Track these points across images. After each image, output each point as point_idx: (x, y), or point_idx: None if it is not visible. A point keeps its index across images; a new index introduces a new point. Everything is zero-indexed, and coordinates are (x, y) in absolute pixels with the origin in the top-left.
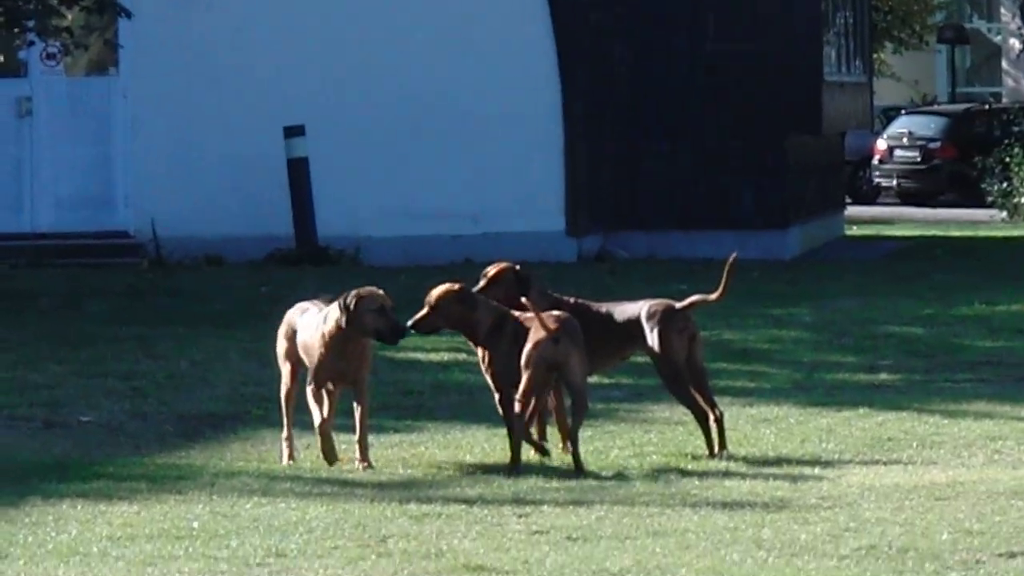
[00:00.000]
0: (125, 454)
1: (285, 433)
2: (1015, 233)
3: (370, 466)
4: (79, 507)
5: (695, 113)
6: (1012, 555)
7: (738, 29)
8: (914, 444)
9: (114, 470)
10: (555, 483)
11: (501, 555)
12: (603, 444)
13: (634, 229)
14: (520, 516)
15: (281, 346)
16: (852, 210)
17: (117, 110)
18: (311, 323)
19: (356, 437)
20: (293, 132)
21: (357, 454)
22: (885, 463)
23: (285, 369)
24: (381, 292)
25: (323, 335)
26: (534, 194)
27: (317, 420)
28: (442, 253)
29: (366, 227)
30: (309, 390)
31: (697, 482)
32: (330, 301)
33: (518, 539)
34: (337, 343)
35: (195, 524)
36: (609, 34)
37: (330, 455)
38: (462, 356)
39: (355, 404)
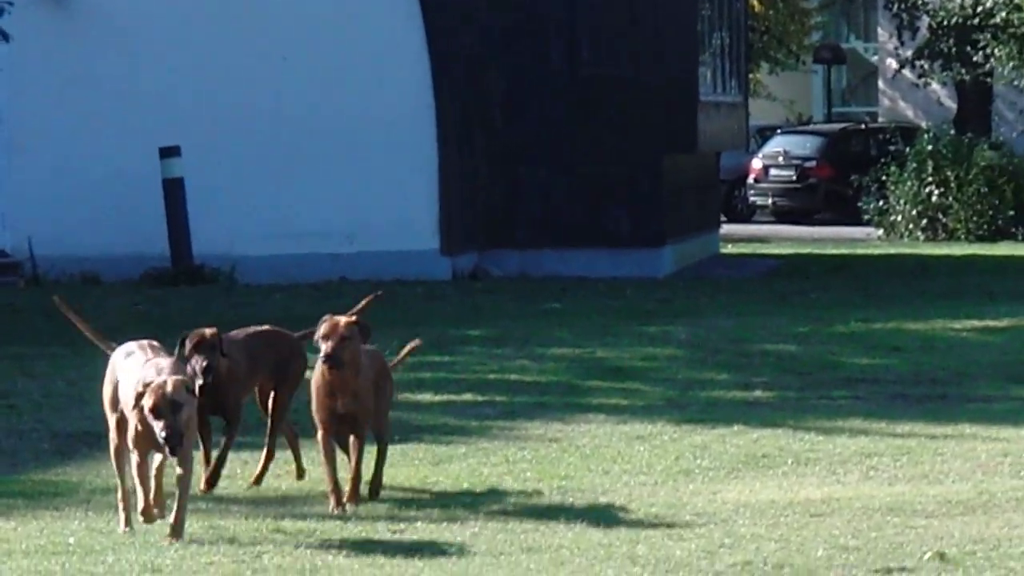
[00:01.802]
0: (1, 471)
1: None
2: (891, 251)
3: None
4: None
5: (570, 134)
6: (888, 571)
7: (612, 52)
8: (789, 461)
9: (13, 487)
10: (427, 497)
11: (375, 571)
12: (477, 461)
13: (508, 248)
14: (394, 532)
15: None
16: (727, 228)
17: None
18: None
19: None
20: (169, 152)
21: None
22: (760, 480)
23: None
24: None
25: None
26: (409, 214)
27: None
28: (318, 272)
29: (242, 246)
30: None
31: (571, 498)
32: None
33: (392, 556)
34: None
35: (71, 540)
36: (483, 59)
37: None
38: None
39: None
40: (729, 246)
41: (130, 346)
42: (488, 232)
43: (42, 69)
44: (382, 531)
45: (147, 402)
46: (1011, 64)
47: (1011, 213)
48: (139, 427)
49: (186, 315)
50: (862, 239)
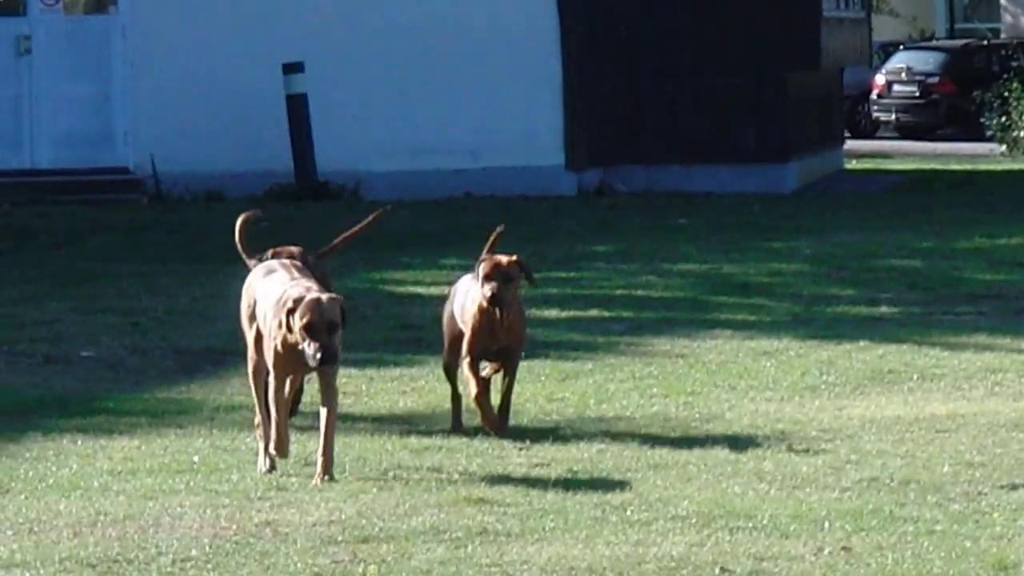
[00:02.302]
0: (125, 389)
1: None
2: (1014, 167)
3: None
4: (79, 442)
5: (695, 48)
6: (1014, 487)
7: None
8: (914, 377)
9: (114, 405)
10: (555, 417)
11: (502, 488)
12: (603, 377)
13: (633, 163)
14: (521, 450)
15: None
16: (851, 144)
17: (116, 48)
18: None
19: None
20: (292, 68)
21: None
22: (885, 396)
23: None
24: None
25: None
26: (533, 129)
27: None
28: (442, 188)
29: (366, 162)
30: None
31: (697, 414)
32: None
33: (519, 473)
34: None
35: (196, 458)
36: None
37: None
38: None
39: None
40: (853, 162)
41: (272, 264)
42: (613, 147)
43: None
44: (508, 448)
45: (300, 320)
46: None
47: None
48: (280, 348)
49: (311, 231)
50: (985, 155)
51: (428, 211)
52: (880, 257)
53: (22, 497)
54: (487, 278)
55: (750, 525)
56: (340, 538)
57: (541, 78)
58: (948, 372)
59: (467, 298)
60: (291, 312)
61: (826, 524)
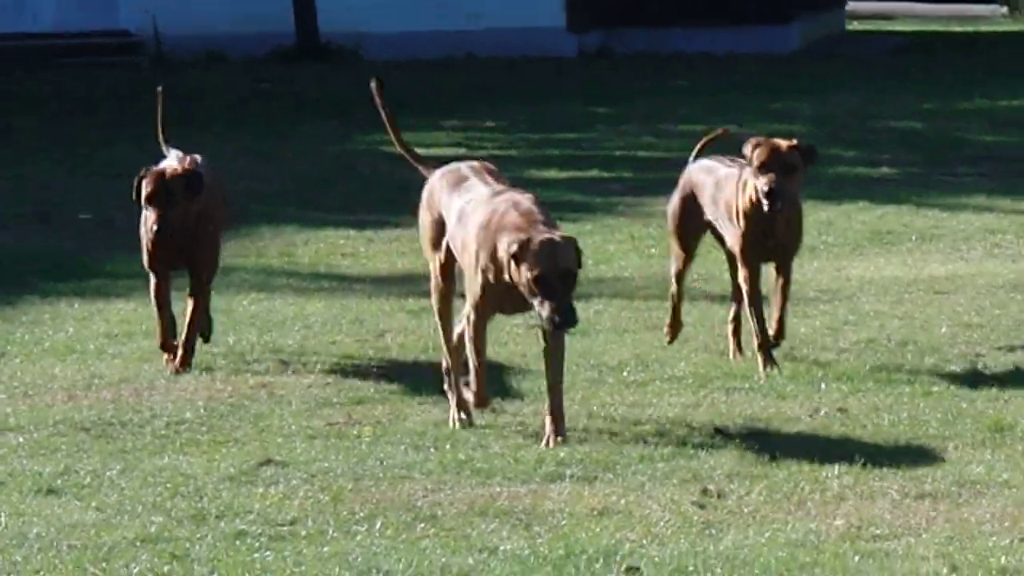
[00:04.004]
0: (122, 253)
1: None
2: (1016, 28)
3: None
4: (76, 305)
5: None
6: (1011, 348)
7: None
8: (913, 237)
9: (111, 268)
10: None
11: (499, 348)
12: (602, 238)
13: (634, 25)
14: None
15: None
16: (852, 5)
17: None
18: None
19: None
20: None
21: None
22: (884, 256)
23: None
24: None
25: None
26: None
27: None
28: (445, 48)
29: (367, 23)
30: None
31: (695, 275)
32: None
33: (515, 333)
34: None
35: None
36: None
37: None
38: (462, 152)
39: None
40: (855, 23)
41: (461, 169)
42: (615, 9)
43: None
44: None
45: (530, 270)
46: None
47: None
48: (493, 283)
49: (311, 92)
50: (987, 16)
51: (429, 72)
52: (880, 118)
53: (17, 361)
54: (763, 167)
55: (746, 386)
56: (335, 400)
57: None
58: (947, 233)
59: (728, 190)
60: (516, 258)
61: (822, 385)
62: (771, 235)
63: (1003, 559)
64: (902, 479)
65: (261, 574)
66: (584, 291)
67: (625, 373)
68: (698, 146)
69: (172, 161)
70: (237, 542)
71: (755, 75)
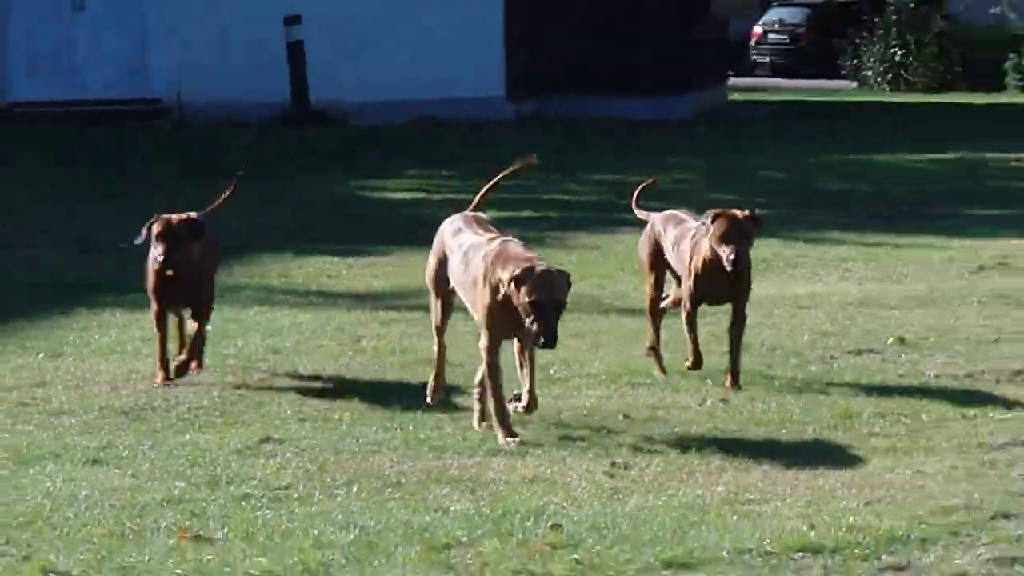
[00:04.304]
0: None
1: None
2: (863, 99)
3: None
4: (117, 315)
5: (612, 9)
6: (859, 352)
7: None
8: (781, 264)
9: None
10: None
11: (451, 350)
12: None
13: (561, 95)
14: (466, 320)
15: None
16: (733, 80)
17: (155, 7)
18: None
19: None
20: (292, 20)
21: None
22: (758, 280)
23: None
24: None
25: None
26: (483, 69)
27: None
28: (411, 114)
29: (351, 95)
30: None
31: (609, 294)
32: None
33: (464, 337)
34: None
35: (209, 327)
36: None
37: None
38: (420, 194)
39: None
40: (735, 95)
41: (457, 221)
42: (545, 82)
43: None
44: (456, 320)
45: (527, 296)
46: None
47: (957, 69)
48: (493, 307)
49: (306, 150)
50: (840, 89)
51: (400, 132)
52: (756, 170)
53: (71, 359)
54: (725, 239)
55: (648, 382)
56: (321, 393)
57: (488, 30)
58: (808, 261)
59: (686, 243)
60: (517, 280)
61: (709, 381)
62: (721, 286)
63: (851, 519)
64: (771, 455)
65: (262, 528)
66: None
67: (551, 371)
68: (636, 192)
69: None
70: (243, 503)
71: (657, 136)
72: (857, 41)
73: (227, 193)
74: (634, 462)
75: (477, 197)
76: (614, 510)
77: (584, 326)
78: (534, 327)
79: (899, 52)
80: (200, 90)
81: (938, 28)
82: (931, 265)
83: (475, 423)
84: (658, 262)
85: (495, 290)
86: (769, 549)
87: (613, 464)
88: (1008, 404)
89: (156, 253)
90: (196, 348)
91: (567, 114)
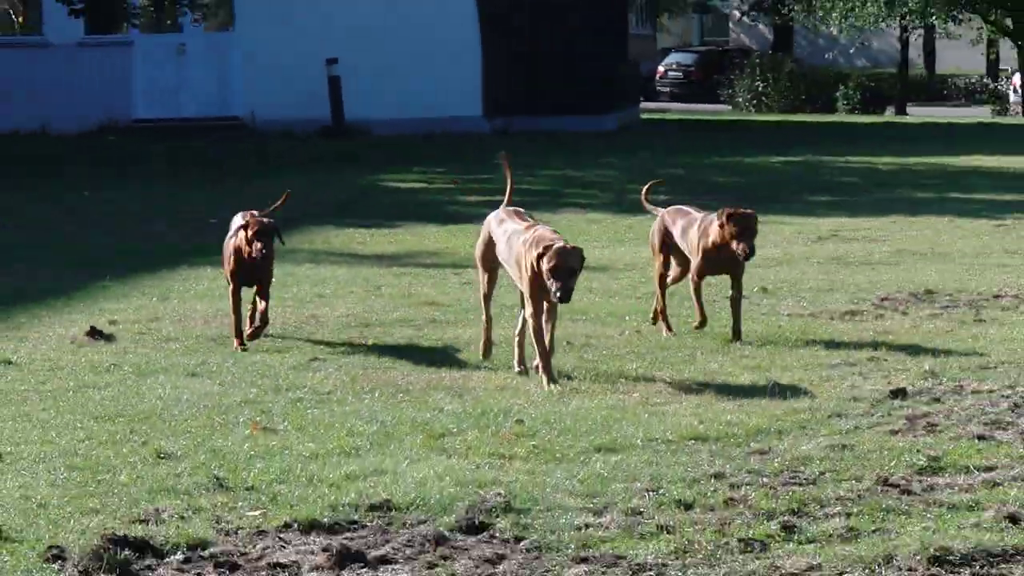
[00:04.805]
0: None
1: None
2: (735, 118)
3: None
4: (208, 270)
5: (564, 52)
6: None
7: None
8: None
9: None
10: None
11: (445, 295)
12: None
13: (525, 114)
14: (456, 274)
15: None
16: (645, 104)
17: (235, 52)
18: None
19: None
20: (331, 61)
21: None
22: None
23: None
24: None
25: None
26: (467, 93)
27: None
28: (415, 128)
29: (373, 113)
30: None
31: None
32: None
33: (455, 287)
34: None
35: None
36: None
37: None
38: (422, 184)
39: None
40: (645, 114)
41: (500, 213)
42: (510, 105)
43: (265, 14)
44: (449, 274)
45: (547, 264)
46: (802, 12)
47: (803, 97)
48: (533, 282)
49: (340, 152)
50: (719, 111)
51: (407, 141)
52: (661, 168)
53: (176, 302)
54: (739, 237)
55: (582, 318)
56: (353, 324)
57: (469, 62)
58: None
59: (694, 231)
60: (541, 256)
61: (627, 317)
62: (723, 263)
63: (728, 417)
64: (671, 371)
65: (311, 422)
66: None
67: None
68: (645, 189)
69: (239, 220)
70: (298, 404)
71: (591, 143)
72: (731, 77)
73: (281, 201)
74: (575, 375)
75: (508, 194)
76: (560, 410)
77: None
78: (552, 286)
79: (761, 84)
80: (267, 111)
81: (788, 68)
82: (784, 236)
83: (515, 365)
84: (665, 246)
85: (532, 269)
86: (670, 438)
87: (559, 376)
88: (840, 335)
89: (257, 246)
90: (262, 323)
91: (526, 128)
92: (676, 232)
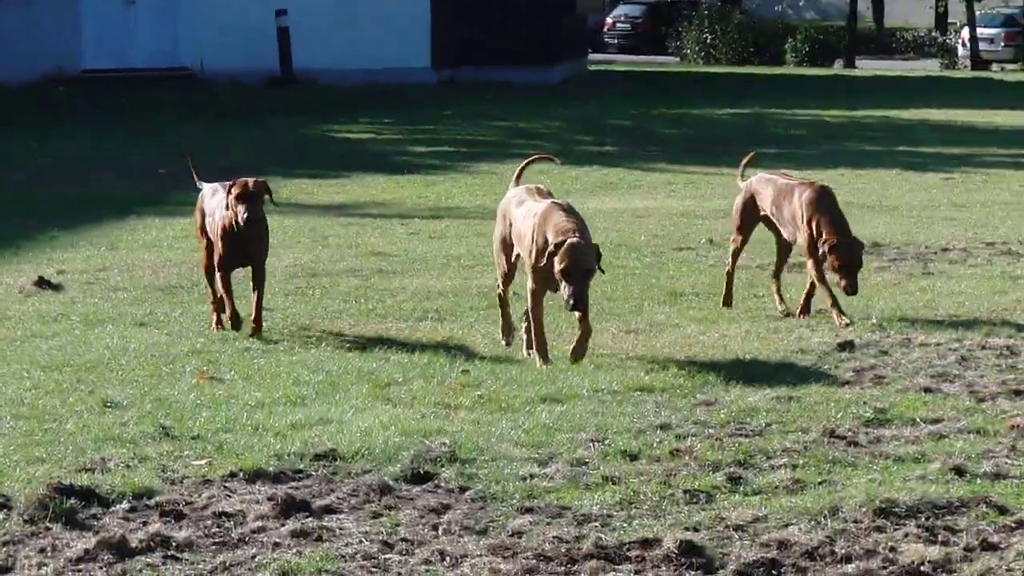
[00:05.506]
0: (180, 192)
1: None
2: (684, 70)
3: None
4: (156, 220)
5: (507, 9)
6: (680, 248)
7: None
8: (625, 186)
9: (175, 199)
10: (422, 206)
11: (392, 245)
12: (449, 185)
13: (467, 66)
14: (403, 224)
15: None
16: (592, 56)
17: (184, 2)
18: None
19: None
20: (280, 12)
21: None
22: (608, 197)
23: None
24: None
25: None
26: (415, 45)
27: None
28: (363, 78)
29: (320, 63)
30: None
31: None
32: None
33: (401, 237)
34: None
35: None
36: None
37: None
38: (369, 135)
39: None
40: (592, 66)
41: (521, 193)
42: (457, 56)
43: None
44: (395, 224)
45: (559, 264)
46: None
47: (751, 49)
48: (537, 260)
49: (288, 102)
50: (667, 63)
51: (352, 92)
52: (607, 119)
53: (124, 252)
54: (843, 269)
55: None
56: (299, 274)
57: (418, 17)
58: (644, 183)
59: (804, 208)
60: (552, 254)
61: None
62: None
63: (675, 368)
64: (618, 322)
65: (258, 372)
66: (440, 214)
67: (461, 260)
68: (744, 161)
69: (214, 197)
70: (245, 353)
71: (537, 94)
72: (680, 29)
73: (189, 162)
74: (520, 326)
75: (518, 171)
76: (506, 359)
77: (484, 227)
78: (565, 292)
79: (709, 36)
80: (216, 61)
81: (737, 20)
82: (731, 188)
83: (524, 350)
84: (746, 222)
85: (540, 248)
86: (616, 389)
87: (502, 331)
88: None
89: (241, 211)
90: (259, 312)
91: (473, 79)
92: (764, 202)
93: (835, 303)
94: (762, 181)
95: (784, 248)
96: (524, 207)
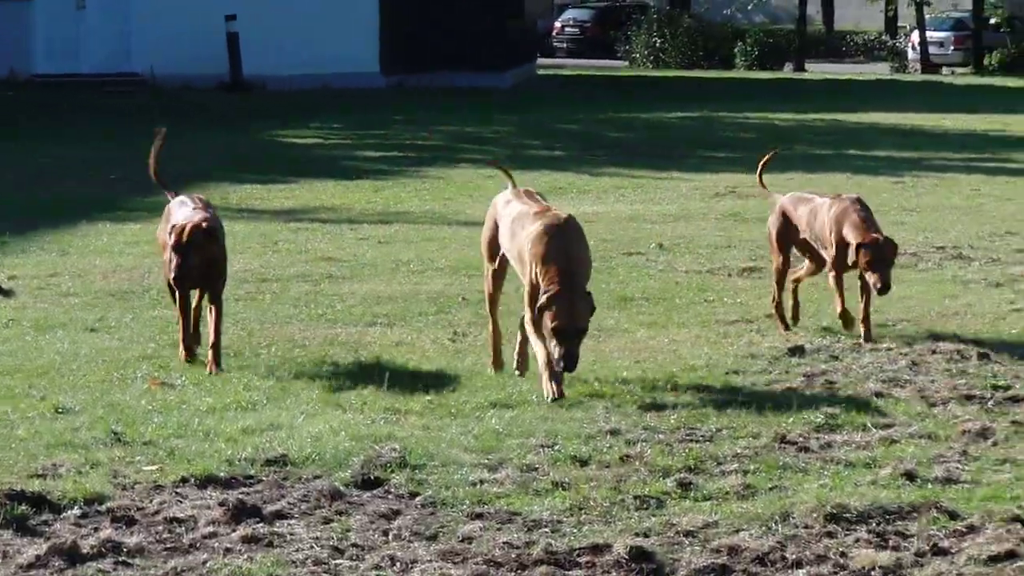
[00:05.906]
0: (132, 198)
1: None
2: (632, 74)
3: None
4: (108, 225)
5: (460, 11)
6: (630, 253)
7: None
8: (575, 191)
9: (127, 204)
10: (373, 210)
11: (341, 251)
12: (398, 190)
13: (420, 71)
14: (352, 229)
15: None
16: (541, 60)
17: (135, 8)
18: None
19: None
20: (230, 17)
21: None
22: (559, 201)
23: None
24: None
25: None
26: (364, 50)
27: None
28: (312, 83)
29: (270, 70)
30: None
31: (451, 211)
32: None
33: (351, 242)
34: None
35: None
36: None
37: None
38: (319, 140)
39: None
40: (541, 70)
41: (508, 195)
42: (406, 61)
43: None
44: (345, 229)
45: (551, 321)
46: None
47: (701, 53)
48: (532, 281)
49: (239, 107)
50: (616, 67)
51: (303, 97)
52: (555, 123)
53: (75, 257)
54: (873, 267)
55: (479, 273)
56: (249, 279)
57: (367, 26)
58: (593, 188)
59: (831, 224)
60: (542, 309)
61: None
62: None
63: (624, 374)
64: None
65: (208, 376)
66: (388, 220)
67: (411, 265)
68: (763, 162)
69: (180, 210)
70: (195, 359)
71: (485, 99)
72: (629, 33)
73: (159, 140)
74: (469, 332)
75: (509, 179)
76: (456, 365)
77: (433, 233)
78: (556, 351)
79: (659, 40)
80: (166, 67)
81: (686, 24)
82: (681, 192)
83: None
84: (785, 241)
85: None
86: (565, 394)
87: (455, 333)
88: (737, 292)
89: (175, 263)
90: (217, 346)
91: (422, 85)
92: (801, 222)
93: (844, 311)
94: (794, 200)
95: (813, 271)
96: (510, 209)
